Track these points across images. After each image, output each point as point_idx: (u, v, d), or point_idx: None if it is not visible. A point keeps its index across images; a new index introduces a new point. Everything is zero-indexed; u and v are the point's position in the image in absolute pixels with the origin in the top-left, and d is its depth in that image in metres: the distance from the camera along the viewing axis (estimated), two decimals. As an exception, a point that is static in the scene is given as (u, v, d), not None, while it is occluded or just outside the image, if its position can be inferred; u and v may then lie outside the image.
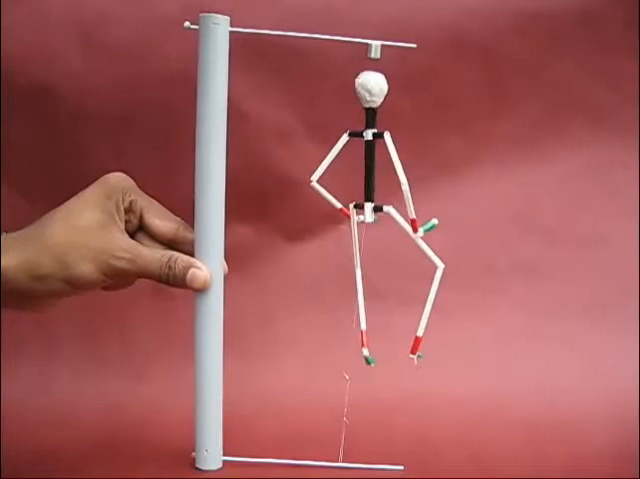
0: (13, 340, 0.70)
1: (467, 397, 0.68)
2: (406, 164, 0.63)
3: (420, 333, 0.52)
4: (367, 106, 0.50)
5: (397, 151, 0.49)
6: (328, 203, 0.53)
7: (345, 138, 0.51)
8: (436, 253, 0.51)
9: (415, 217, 0.50)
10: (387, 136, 0.50)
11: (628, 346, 0.72)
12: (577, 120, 0.74)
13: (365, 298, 0.53)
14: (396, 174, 0.49)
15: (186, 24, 0.49)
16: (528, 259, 0.75)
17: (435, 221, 0.51)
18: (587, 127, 0.74)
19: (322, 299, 0.74)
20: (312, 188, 0.53)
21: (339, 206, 0.53)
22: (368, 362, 0.52)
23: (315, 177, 0.52)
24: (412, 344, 0.52)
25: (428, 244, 0.51)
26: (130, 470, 0.54)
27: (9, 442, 0.59)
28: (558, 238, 0.75)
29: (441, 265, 0.51)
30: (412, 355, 0.52)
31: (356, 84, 0.49)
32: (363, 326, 0.53)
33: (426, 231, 0.51)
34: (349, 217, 0.52)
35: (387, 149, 0.50)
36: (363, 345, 0.52)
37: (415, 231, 0.51)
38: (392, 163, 0.49)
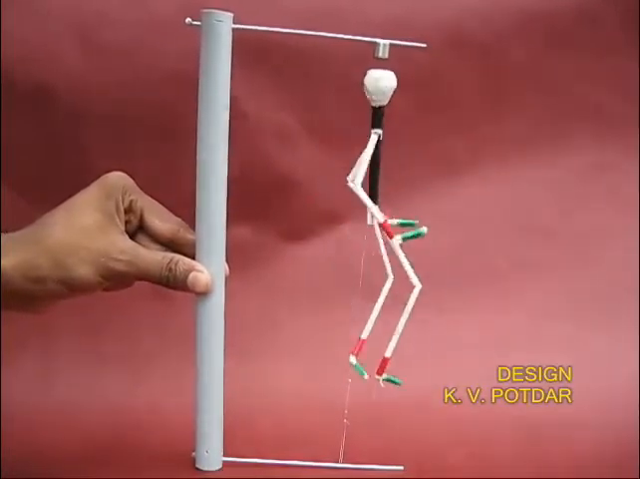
0: (13, 340, 0.70)
1: (466, 397, 0.68)
2: (406, 163, 0.64)
3: (388, 354, 0.51)
4: (374, 104, 0.49)
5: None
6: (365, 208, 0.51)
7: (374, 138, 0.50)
8: (415, 272, 0.49)
9: (384, 220, 0.49)
10: (374, 135, 0.49)
11: (628, 346, 0.72)
12: (577, 120, 0.73)
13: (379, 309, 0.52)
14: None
15: (188, 20, 0.48)
16: (528, 259, 0.75)
17: (423, 229, 0.48)
18: (587, 127, 0.74)
19: (322, 300, 0.73)
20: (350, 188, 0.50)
21: (382, 219, 0.50)
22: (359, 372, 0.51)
23: (358, 180, 0.49)
24: (379, 365, 0.51)
25: (408, 258, 0.48)
26: (130, 470, 0.54)
27: (9, 442, 0.59)
28: (558, 237, 0.75)
29: (418, 285, 0.49)
30: (378, 377, 0.51)
31: (364, 81, 0.49)
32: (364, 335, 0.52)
33: (406, 239, 0.49)
34: (390, 235, 0.50)
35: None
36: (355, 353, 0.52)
37: (390, 236, 0.49)
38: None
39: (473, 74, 0.72)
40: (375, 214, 0.49)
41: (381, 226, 0.49)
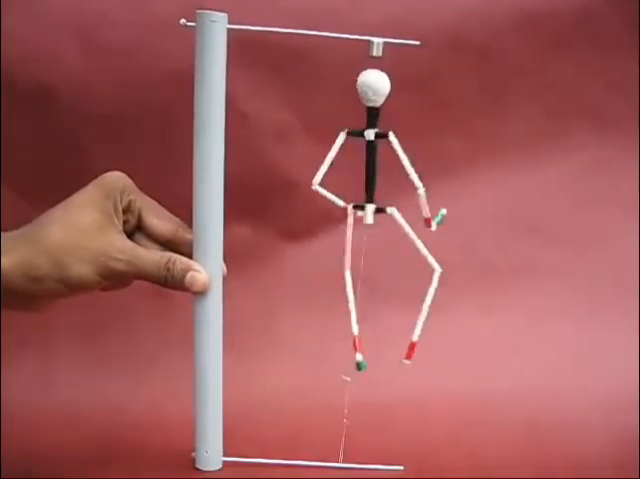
0: (13, 340, 0.70)
1: (466, 397, 0.68)
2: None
3: (415, 338, 0.52)
4: (369, 105, 0.49)
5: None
6: (332, 203, 0.52)
7: (342, 137, 0.50)
8: (433, 257, 0.51)
9: (429, 216, 0.51)
10: (392, 137, 0.49)
11: (628, 346, 0.72)
12: (577, 120, 0.73)
13: (356, 302, 0.52)
14: (407, 176, 0.49)
15: (182, 21, 0.48)
16: (528, 259, 0.75)
17: (443, 210, 0.52)
18: (587, 127, 0.74)
19: (322, 299, 0.73)
20: (315, 191, 0.52)
21: (342, 204, 0.52)
22: (359, 368, 0.51)
23: (316, 180, 0.51)
24: (407, 350, 0.52)
25: (427, 248, 0.51)
26: (130, 471, 0.54)
27: (9, 442, 0.59)
28: (558, 238, 0.75)
29: (438, 269, 0.51)
30: (406, 361, 0.52)
31: (358, 82, 0.49)
32: (355, 331, 0.51)
33: (438, 223, 0.52)
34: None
35: (393, 150, 0.49)
36: (356, 350, 0.51)
37: (428, 226, 0.52)
38: (401, 164, 0.49)
39: (472, 74, 0.72)
40: (336, 202, 0.52)
41: (425, 220, 0.52)
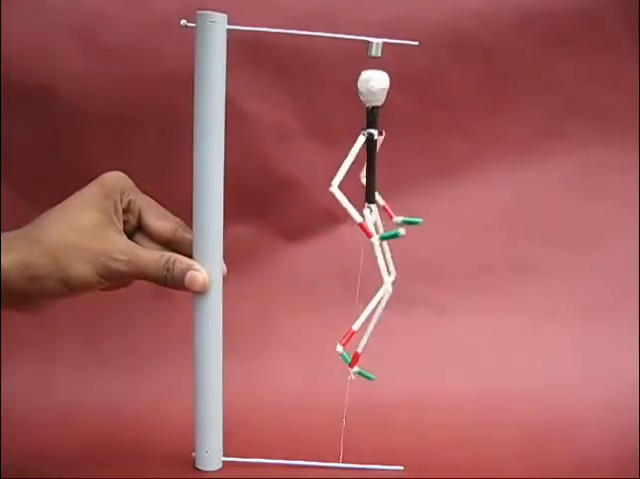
0: (13, 340, 0.70)
1: (466, 397, 0.68)
2: (406, 164, 0.64)
3: (359, 350, 0.50)
4: (369, 105, 0.49)
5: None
6: (345, 212, 0.49)
7: (362, 139, 0.49)
8: (388, 270, 0.49)
9: (361, 221, 0.48)
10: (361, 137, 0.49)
11: (628, 346, 0.72)
12: (577, 120, 0.73)
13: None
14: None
15: (183, 22, 0.48)
16: (528, 259, 0.75)
17: (400, 231, 0.48)
18: (587, 127, 0.74)
19: (322, 299, 0.74)
20: (331, 193, 0.48)
21: (358, 218, 0.49)
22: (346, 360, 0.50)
23: (336, 182, 0.48)
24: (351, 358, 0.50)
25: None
26: (130, 471, 0.54)
27: (9, 442, 0.59)
28: (558, 238, 0.75)
29: (388, 287, 0.49)
30: (350, 369, 0.50)
31: (358, 82, 0.49)
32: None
33: (384, 238, 0.49)
34: (369, 235, 0.49)
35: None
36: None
37: (368, 236, 0.49)
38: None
39: (472, 74, 0.72)
40: (353, 215, 0.49)
41: (360, 226, 0.49)
